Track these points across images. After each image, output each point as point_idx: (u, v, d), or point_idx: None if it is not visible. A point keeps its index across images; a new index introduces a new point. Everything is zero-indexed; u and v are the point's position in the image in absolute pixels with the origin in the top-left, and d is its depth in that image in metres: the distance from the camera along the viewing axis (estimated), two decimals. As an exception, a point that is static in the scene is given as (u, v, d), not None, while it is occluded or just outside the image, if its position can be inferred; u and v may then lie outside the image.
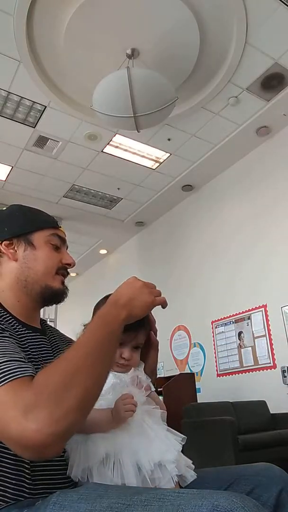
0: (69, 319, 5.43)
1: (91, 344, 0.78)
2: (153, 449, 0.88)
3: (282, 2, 3.20)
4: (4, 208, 1.12)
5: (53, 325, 1.67)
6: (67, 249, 1.11)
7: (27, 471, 0.82)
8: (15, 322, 0.94)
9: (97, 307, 1.07)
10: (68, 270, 1.08)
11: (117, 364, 0.99)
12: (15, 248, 1.02)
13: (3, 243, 1.02)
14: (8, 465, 0.81)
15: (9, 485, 0.80)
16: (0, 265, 1.02)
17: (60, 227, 1.10)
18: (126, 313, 0.85)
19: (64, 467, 0.88)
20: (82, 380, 0.72)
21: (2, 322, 0.88)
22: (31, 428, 0.65)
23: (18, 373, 0.73)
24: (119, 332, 0.83)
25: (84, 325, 1.07)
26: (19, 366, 0.75)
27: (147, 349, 1.08)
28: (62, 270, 1.05)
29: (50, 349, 1.02)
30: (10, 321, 0.93)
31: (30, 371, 0.75)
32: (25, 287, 0.99)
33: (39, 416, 0.65)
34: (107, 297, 1.07)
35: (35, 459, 0.81)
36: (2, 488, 0.79)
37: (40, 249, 1.02)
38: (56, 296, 1.03)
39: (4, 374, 0.72)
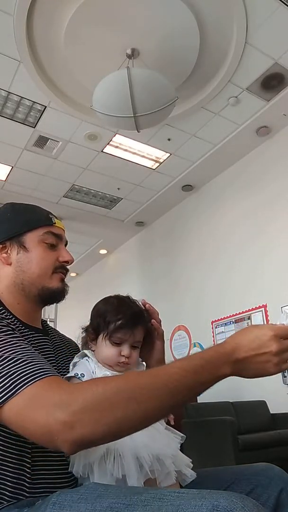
0: (69, 319, 5.43)
1: (163, 380, 0.70)
2: (153, 443, 0.88)
3: (282, 2, 3.20)
4: None
5: (53, 325, 1.67)
6: (66, 245, 1.07)
7: (28, 470, 0.82)
8: (18, 323, 0.94)
9: (95, 310, 1.06)
10: (68, 269, 1.05)
11: (118, 363, 0.99)
12: (8, 251, 0.99)
13: None
14: (9, 464, 0.81)
15: (10, 484, 0.80)
16: None
17: (55, 223, 1.04)
18: (230, 371, 0.72)
19: (64, 467, 0.88)
20: (130, 407, 0.67)
21: (11, 325, 0.87)
22: (57, 419, 0.65)
23: (47, 372, 0.73)
24: (209, 386, 0.72)
25: (82, 328, 1.07)
26: (43, 366, 0.75)
27: (152, 340, 1.08)
28: (60, 269, 1.02)
29: (52, 350, 1.02)
30: (15, 322, 0.92)
31: (53, 371, 0.75)
32: (22, 290, 0.97)
33: (67, 412, 0.65)
34: (105, 299, 1.07)
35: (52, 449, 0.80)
36: (2, 487, 0.79)
37: (34, 250, 0.99)
38: (55, 295, 1.01)
39: (35, 371, 0.72)
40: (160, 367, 0.81)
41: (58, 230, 1.05)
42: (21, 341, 0.81)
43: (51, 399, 0.68)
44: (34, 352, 0.79)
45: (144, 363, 1.08)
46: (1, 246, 1.00)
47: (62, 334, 1.15)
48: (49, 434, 0.66)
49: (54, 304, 1.05)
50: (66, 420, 0.65)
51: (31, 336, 0.95)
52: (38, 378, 0.71)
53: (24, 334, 0.93)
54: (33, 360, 0.75)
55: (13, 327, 0.86)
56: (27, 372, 0.72)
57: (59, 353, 1.04)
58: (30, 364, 0.73)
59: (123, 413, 0.67)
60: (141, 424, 0.71)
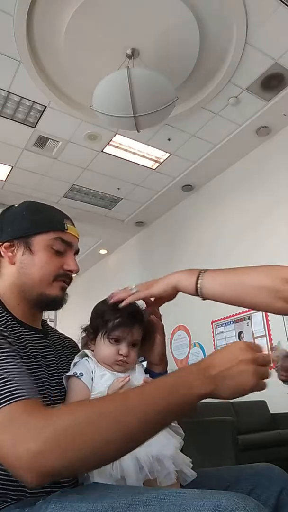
0: (69, 319, 5.42)
1: (136, 405, 0.66)
2: (152, 444, 0.88)
3: (282, 2, 3.20)
4: (16, 205, 1.06)
5: (53, 325, 1.66)
6: (77, 253, 1.04)
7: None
8: (16, 323, 0.93)
9: (94, 310, 1.07)
10: (72, 278, 1.03)
11: (116, 362, 1.00)
12: (15, 251, 0.98)
13: (4, 244, 0.98)
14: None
15: (11, 484, 0.80)
16: (1, 266, 1.00)
17: (67, 229, 1.01)
18: (209, 390, 0.68)
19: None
20: (98, 439, 0.64)
21: (6, 329, 0.84)
22: (25, 447, 0.61)
23: (24, 394, 0.69)
24: (187, 409, 0.68)
25: (82, 328, 1.07)
26: (22, 387, 0.70)
27: (153, 335, 1.09)
28: (63, 277, 1.00)
29: (52, 350, 1.01)
30: (12, 322, 0.92)
31: (33, 393, 0.71)
32: (22, 292, 0.97)
33: (36, 441, 0.62)
34: (104, 300, 1.07)
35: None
36: (3, 487, 0.79)
37: (38, 254, 0.97)
38: (53, 303, 0.99)
39: (12, 392, 0.69)
40: (137, 387, 0.79)
41: (69, 237, 1.02)
42: (9, 355, 0.76)
43: (21, 425, 0.64)
44: (19, 369, 0.75)
45: (143, 363, 1.09)
46: (9, 244, 0.99)
47: (62, 334, 1.15)
48: (14, 461, 0.62)
49: None
50: (35, 449, 0.61)
51: (31, 336, 0.95)
52: (13, 400, 0.67)
53: (24, 334, 0.92)
54: (14, 378, 0.71)
55: (6, 334, 0.83)
56: (4, 391, 0.69)
57: (59, 353, 1.04)
58: (9, 384, 0.70)
59: (93, 446, 0.64)
60: (113, 457, 0.69)
